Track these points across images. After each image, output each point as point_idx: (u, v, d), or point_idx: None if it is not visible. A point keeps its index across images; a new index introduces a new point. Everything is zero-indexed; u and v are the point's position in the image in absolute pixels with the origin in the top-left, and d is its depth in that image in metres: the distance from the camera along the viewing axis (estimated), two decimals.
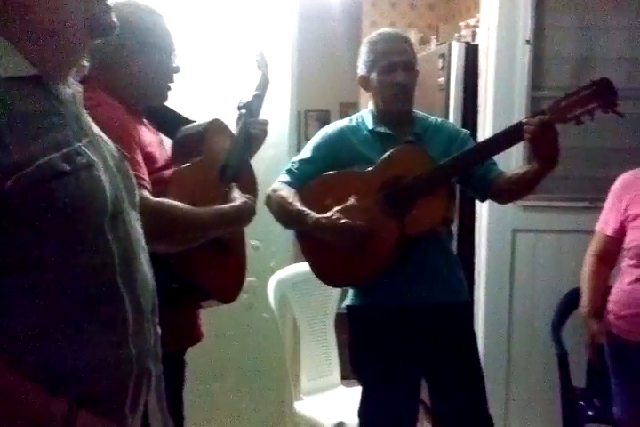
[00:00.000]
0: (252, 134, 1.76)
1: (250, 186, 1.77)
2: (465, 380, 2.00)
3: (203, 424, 2.46)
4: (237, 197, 1.58)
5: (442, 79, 3.11)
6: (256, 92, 1.82)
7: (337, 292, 2.52)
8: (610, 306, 2.16)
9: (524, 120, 1.85)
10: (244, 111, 1.79)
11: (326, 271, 2.04)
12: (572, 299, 2.67)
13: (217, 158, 1.67)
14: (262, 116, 1.86)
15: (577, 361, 2.60)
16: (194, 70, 2.28)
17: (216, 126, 1.71)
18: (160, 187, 1.46)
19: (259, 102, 1.82)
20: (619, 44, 2.78)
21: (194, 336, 1.68)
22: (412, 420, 2.05)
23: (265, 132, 1.81)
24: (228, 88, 2.43)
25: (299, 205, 1.96)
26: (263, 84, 1.85)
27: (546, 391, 2.69)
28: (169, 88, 1.62)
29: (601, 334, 2.13)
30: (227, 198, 1.59)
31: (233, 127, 1.78)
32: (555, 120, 1.79)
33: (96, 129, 1.03)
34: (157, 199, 1.41)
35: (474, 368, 2.03)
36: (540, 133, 1.78)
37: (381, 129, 2.05)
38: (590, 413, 2.46)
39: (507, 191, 2.00)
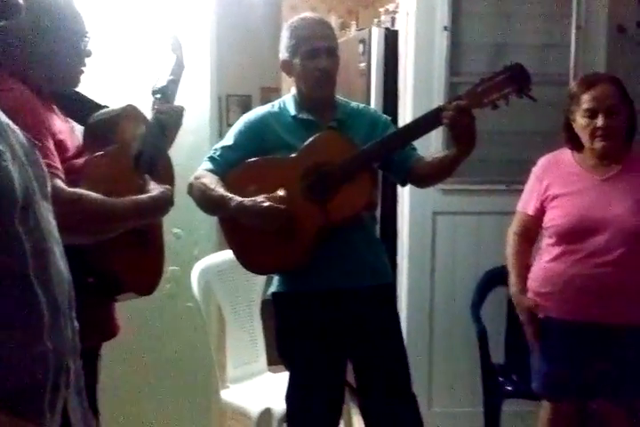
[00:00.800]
0: (167, 120, 1.71)
1: (167, 174, 1.73)
2: (389, 360, 2.04)
3: (127, 418, 2.42)
4: (154, 188, 1.55)
5: (363, 65, 3.13)
6: (170, 77, 1.77)
7: (262, 279, 2.51)
8: (529, 284, 2.23)
9: (442, 105, 1.88)
10: (158, 96, 1.74)
11: (250, 259, 2.03)
12: (490, 278, 2.77)
13: (131, 146, 1.63)
14: (180, 101, 1.81)
15: (496, 339, 2.70)
16: (107, 54, 2.20)
17: (129, 112, 1.66)
18: (72, 177, 1.41)
19: (174, 87, 1.77)
20: (533, 32, 2.86)
21: (110, 331, 1.64)
22: (339, 402, 2.08)
23: (181, 118, 1.76)
24: (142, 73, 2.36)
25: (222, 191, 1.94)
26: (178, 69, 1.80)
27: (467, 369, 2.78)
28: (81, 72, 1.56)
29: (536, 307, 2.19)
30: (143, 188, 1.55)
31: (147, 113, 1.73)
32: (472, 105, 1.83)
33: (3, 117, 0.97)
34: (71, 189, 1.36)
35: (397, 349, 2.07)
36: (457, 118, 1.81)
37: (304, 115, 2.05)
38: (509, 388, 2.56)
39: (427, 176, 2.04)
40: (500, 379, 2.60)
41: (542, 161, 2.32)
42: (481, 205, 2.89)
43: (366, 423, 2.10)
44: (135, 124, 1.66)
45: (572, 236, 2.12)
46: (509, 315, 2.71)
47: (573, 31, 2.83)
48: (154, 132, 1.68)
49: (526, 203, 2.28)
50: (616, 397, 2.18)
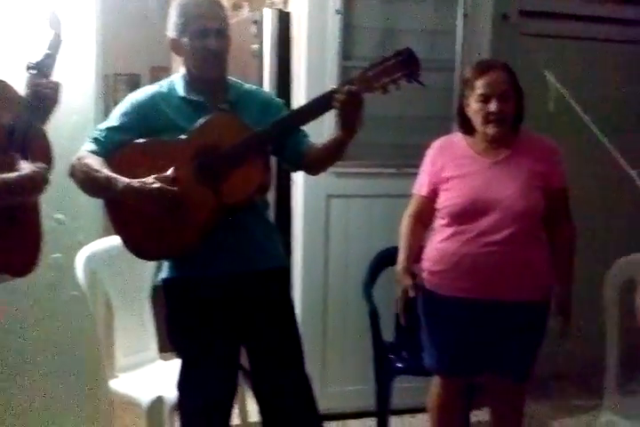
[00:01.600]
0: (42, 96, 1.63)
1: (43, 152, 1.65)
2: (282, 343, 2.04)
3: (14, 412, 2.31)
4: (26, 166, 1.46)
5: (255, 46, 3.09)
6: (47, 52, 1.68)
7: (151, 265, 2.44)
8: (423, 263, 2.29)
9: (334, 89, 1.88)
10: (33, 72, 1.65)
11: (139, 244, 1.96)
12: (381, 259, 2.83)
13: (2, 123, 1.54)
14: (63, 79, 1.72)
15: (387, 318, 2.77)
16: None
17: (1, 88, 1.56)
18: None
19: (50, 62, 1.68)
20: (423, 17, 2.91)
21: None
22: (232, 388, 2.07)
23: (57, 93, 1.68)
24: (17, 48, 2.22)
25: (107, 172, 1.86)
26: (55, 43, 1.70)
27: (359, 348, 2.84)
28: None
29: (412, 288, 2.24)
30: (13, 166, 1.46)
31: (21, 89, 1.64)
32: (362, 90, 1.84)
33: None
34: None
35: (291, 331, 2.08)
36: (348, 102, 1.82)
37: (194, 97, 2.00)
38: (400, 365, 2.64)
39: (317, 161, 2.05)
40: (391, 356, 2.67)
41: (435, 144, 2.37)
42: (373, 187, 2.94)
43: (260, 407, 2.11)
44: (7, 100, 1.57)
45: (463, 216, 2.19)
46: None
47: (460, 18, 2.91)
48: (28, 108, 1.60)
49: (420, 185, 2.34)
50: (503, 370, 2.28)
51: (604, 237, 3.09)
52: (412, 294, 2.24)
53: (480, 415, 2.98)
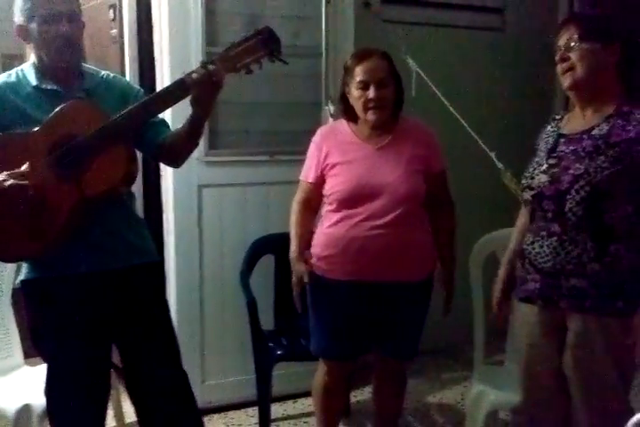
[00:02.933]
0: None
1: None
2: (156, 340, 1.98)
3: None
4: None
5: (114, 31, 2.96)
6: None
7: (11, 267, 2.30)
8: (312, 249, 2.30)
9: (196, 70, 1.81)
10: None
11: None
12: (257, 248, 2.82)
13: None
14: None
15: (266, 305, 2.77)
16: None
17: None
18: None
19: None
20: (287, 3, 2.90)
21: None
22: (105, 389, 1.99)
23: None
24: None
25: None
26: None
27: (238, 338, 2.82)
28: None
29: (307, 275, 2.26)
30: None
31: None
32: (225, 70, 1.79)
33: None
34: None
35: (164, 328, 2.02)
36: (208, 83, 1.77)
37: (47, 85, 1.88)
38: (279, 352, 2.65)
39: (174, 149, 1.97)
40: (270, 344, 2.67)
41: (321, 131, 2.39)
42: (245, 176, 2.91)
43: (136, 407, 2.04)
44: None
45: (350, 201, 2.21)
46: (277, 281, 2.80)
47: (323, 5, 2.93)
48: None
49: (307, 172, 2.35)
50: (391, 350, 2.35)
51: (469, 216, 3.23)
52: (306, 279, 2.27)
53: (359, 395, 3.06)
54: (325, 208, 2.31)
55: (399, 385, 2.46)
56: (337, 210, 2.25)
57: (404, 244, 2.21)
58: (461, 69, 3.55)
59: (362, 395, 3.04)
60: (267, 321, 2.76)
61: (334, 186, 2.25)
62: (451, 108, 2.84)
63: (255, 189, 2.91)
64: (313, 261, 2.29)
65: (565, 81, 1.86)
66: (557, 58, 1.87)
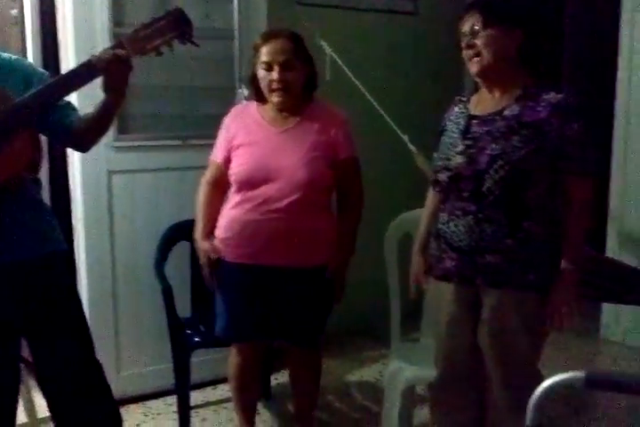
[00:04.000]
0: None
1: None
2: (66, 331, 1.91)
3: None
4: None
5: (15, 11, 2.80)
6: None
7: None
8: (216, 231, 2.28)
9: (99, 54, 1.75)
10: None
11: None
12: (171, 234, 2.76)
13: None
14: None
15: (182, 293, 2.73)
16: None
17: None
18: None
19: None
20: None
21: None
22: (14, 384, 1.91)
23: None
24: None
25: None
26: None
27: (154, 326, 2.76)
28: None
29: (212, 250, 2.25)
30: None
31: None
32: (134, 52, 1.73)
33: None
34: None
35: (75, 318, 1.95)
36: (116, 66, 1.71)
37: None
38: (197, 339, 2.62)
39: (84, 133, 1.89)
40: (188, 332, 2.63)
41: (232, 111, 2.37)
42: (157, 161, 2.84)
43: (48, 401, 1.96)
44: None
45: (248, 184, 2.20)
46: (193, 267, 2.76)
47: None
48: None
49: (216, 151, 2.33)
50: (292, 337, 2.36)
51: (384, 198, 3.28)
52: (213, 256, 2.26)
53: (280, 378, 3.07)
54: (231, 189, 2.29)
55: (313, 369, 2.47)
56: (237, 191, 2.24)
57: (301, 229, 2.21)
58: (375, 53, 3.59)
59: (283, 377, 3.05)
60: (183, 308, 2.72)
61: (235, 167, 2.24)
62: (365, 92, 2.87)
63: (168, 174, 2.86)
64: (216, 242, 2.27)
65: (473, 67, 1.91)
66: (463, 44, 1.90)
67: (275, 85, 2.18)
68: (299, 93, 2.24)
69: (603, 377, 1.19)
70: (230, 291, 2.30)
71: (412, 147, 2.70)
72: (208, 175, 2.34)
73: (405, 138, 2.76)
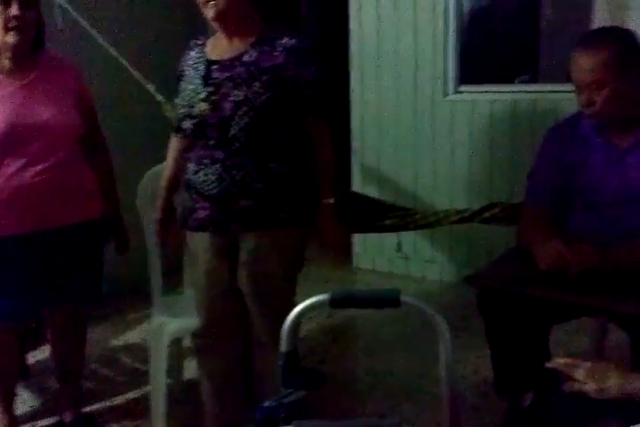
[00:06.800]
0: None
1: None
2: None
3: None
4: None
5: None
6: None
7: None
8: None
9: None
10: None
11: None
12: None
13: None
14: None
15: None
16: None
17: None
18: None
19: None
20: None
21: None
22: None
23: None
24: None
25: None
26: None
27: None
28: None
29: None
30: None
31: None
32: None
33: None
34: None
35: None
36: None
37: None
38: None
39: None
40: None
41: None
42: None
43: None
44: None
45: (3, 147, 1.97)
46: None
47: None
48: None
49: None
50: (73, 297, 2.21)
51: (134, 152, 3.16)
52: None
53: (38, 355, 2.89)
54: None
55: (79, 335, 2.37)
56: None
57: (71, 185, 2.09)
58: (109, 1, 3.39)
59: (42, 354, 2.87)
60: None
61: None
62: (103, 43, 2.71)
63: None
64: None
65: (209, 12, 1.88)
66: None
67: (12, 23, 1.95)
68: (32, 39, 2.04)
69: (344, 296, 1.28)
70: (4, 268, 2.08)
71: (158, 96, 2.62)
72: None
73: (151, 87, 2.66)
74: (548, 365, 1.39)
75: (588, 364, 1.34)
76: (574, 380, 1.34)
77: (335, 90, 3.81)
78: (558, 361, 1.36)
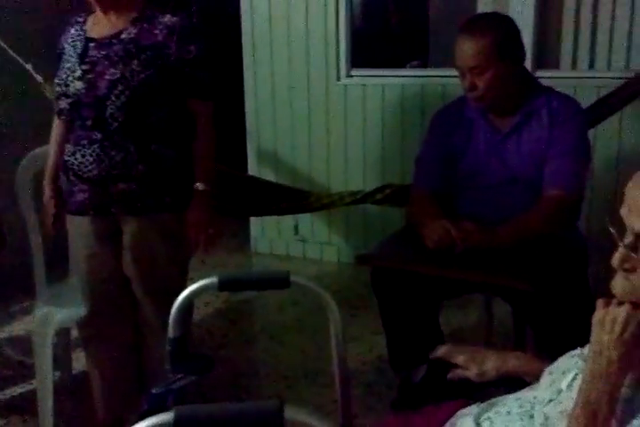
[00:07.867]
0: None
1: None
2: None
3: None
4: None
5: None
6: None
7: None
8: None
9: None
10: None
11: None
12: None
13: None
14: None
15: None
16: None
17: None
18: None
19: None
20: None
21: None
22: None
23: None
24: None
25: None
26: None
27: None
28: None
29: None
30: None
31: None
32: None
33: None
34: None
35: None
36: None
37: None
38: None
39: None
40: None
41: None
42: None
43: None
44: None
45: None
46: None
47: None
48: None
49: None
50: None
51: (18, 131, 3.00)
52: None
53: None
54: None
55: None
56: None
57: None
58: None
59: None
60: None
61: None
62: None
63: None
64: None
65: None
66: None
67: None
68: None
69: (232, 279, 1.26)
70: None
71: (37, 76, 2.48)
72: None
73: (29, 66, 2.52)
74: (431, 356, 1.42)
75: (467, 350, 1.38)
76: (457, 367, 1.38)
77: (232, 72, 3.79)
78: (441, 350, 1.40)
